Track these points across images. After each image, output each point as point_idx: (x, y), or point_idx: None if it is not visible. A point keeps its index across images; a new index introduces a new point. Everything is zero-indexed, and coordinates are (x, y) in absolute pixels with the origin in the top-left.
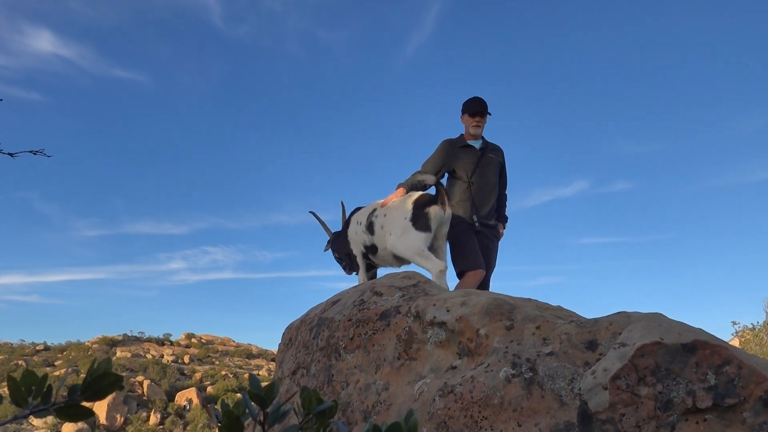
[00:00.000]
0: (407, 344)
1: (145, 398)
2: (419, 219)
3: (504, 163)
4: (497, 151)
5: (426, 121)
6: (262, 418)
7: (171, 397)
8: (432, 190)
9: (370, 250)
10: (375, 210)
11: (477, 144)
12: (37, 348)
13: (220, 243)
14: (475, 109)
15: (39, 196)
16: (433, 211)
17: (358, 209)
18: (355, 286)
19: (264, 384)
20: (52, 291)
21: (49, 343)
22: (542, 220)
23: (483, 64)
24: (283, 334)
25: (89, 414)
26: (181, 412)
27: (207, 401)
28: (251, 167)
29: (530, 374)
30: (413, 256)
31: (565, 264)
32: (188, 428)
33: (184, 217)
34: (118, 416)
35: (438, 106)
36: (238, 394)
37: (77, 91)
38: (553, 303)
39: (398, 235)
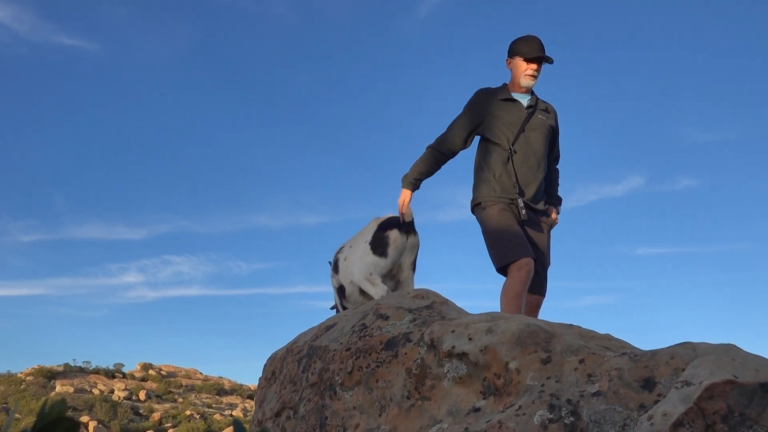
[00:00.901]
0: (419, 380)
1: None
2: (377, 242)
3: (557, 127)
4: (549, 111)
5: (442, 106)
6: None
7: None
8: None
9: (341, 293)
10: (343, 246)
11: (524, 99)
12: None
13: (185, 251)
14: (535, 52)
15: None
16: (393, 235)
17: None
18: (355, 308)
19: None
20: None
21: None
22: (587, 224)
23: (515, 25)
24: (265, 366)
25: None
26: None
27: None
28: (226, 158)
29: (572, 419)
30: (360, 279)
31: (615, 280)
32: None
33: (142, 220)
34: None
35: (458, 83)
36: None
37: (11, 63)
38: (601, 330)
39: (357, 260)
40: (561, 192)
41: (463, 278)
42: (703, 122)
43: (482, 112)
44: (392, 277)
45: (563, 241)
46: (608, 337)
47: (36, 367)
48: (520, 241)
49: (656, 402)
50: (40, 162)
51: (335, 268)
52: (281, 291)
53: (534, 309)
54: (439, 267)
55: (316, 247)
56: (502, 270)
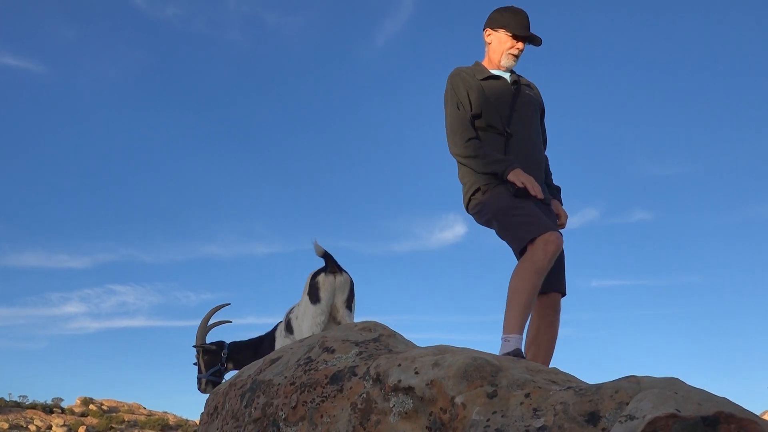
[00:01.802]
0: (364, 415)
1: None
2: (311, 291)
3: (543, 106)
4: (532, 87)
5: (401, 134)
6: None
7: None
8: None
9: None
10: (292, 308)
11: (505, 76)
12: None
13: (131, 281)
14: (525, 29)
15: None
16: (321, 279)
17: (279, 324)
18: (301, 340)
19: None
20: None
21: None
22: None
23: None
24: (207, 401)
25: None
26: None
27: None
28: (175, 185)
29: None
30: (308, 333)
31: (569, 313)
32: None
33: (85, 248)
34: None
35: (419, 111)
36: None
37: None
38: (553, 362)
39: (302, 315)
40: None
41: (417, 310)
42: (658, 155)
43: (468, 92)
44: (334, 321)
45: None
46: (555, 371)
47: None
48: (542, 216)
49: None
50: None
51: (289, 328)
52: (232, 322)
53: (553, 311)
54: (394, 298)
55: (266, 278)
56: (524, 251)
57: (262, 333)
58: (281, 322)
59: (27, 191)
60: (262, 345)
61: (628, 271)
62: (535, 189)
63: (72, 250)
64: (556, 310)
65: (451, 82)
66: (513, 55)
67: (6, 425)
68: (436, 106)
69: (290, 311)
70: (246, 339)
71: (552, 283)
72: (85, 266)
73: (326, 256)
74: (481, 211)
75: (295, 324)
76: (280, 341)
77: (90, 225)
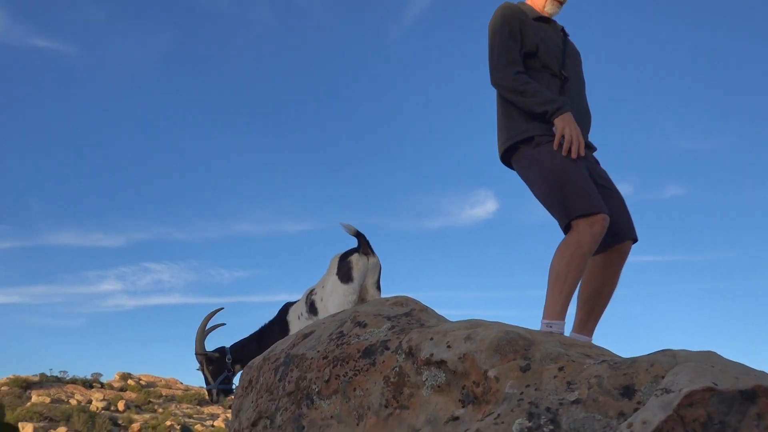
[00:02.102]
0: (397, 389)
1: None
2: (342, 271)
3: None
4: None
5: (428, 112)
6: None
7: None
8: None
9: None
10: (313, 289)
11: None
12: None
13: (165, 258)
14: None
15: None
16: (354, 259)
17: (290, 304)
18: (333, 315)
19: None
20: None
21: None
22: None
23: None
24: (242, 375)
25: None
26: None
27: None
28: (207, 164)
29: (551, 427)
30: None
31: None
32: None
33: (121, 226)
34: None
35: (445, 89)
36: None
37: None
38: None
39: (329, 294)
40: None
41: (448, 286)
42: (692, 130)
43: (521, 27)
44: (362, 301)
45: (548, 249)
46: (588, 345)
47: (11, 376)
48: (594, 192)
49: (636, 410)
50: (15, 167)
51: (312, 310)
52: (263, 299)
53: (622, 260)
54: (424, 275)
55: (298, 255)
56: (569, 228)
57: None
58: (291, 306)
59: (62, 171)
60: (267, 335)
61: (662, 247)
62: (578, 146)
63: (107, 228)
64: (624, 259)
65: (503, 13)
66: (559, 1)
67: (48, 399)
68: (465, 82)
69: (311, 293)
70: (245, 336)
71: (625, 231)
72: (121, 244)
73: (359, 236)
74: (529, 167)
75: (320, 305)
76: (301, 323)
77: (124, 204)
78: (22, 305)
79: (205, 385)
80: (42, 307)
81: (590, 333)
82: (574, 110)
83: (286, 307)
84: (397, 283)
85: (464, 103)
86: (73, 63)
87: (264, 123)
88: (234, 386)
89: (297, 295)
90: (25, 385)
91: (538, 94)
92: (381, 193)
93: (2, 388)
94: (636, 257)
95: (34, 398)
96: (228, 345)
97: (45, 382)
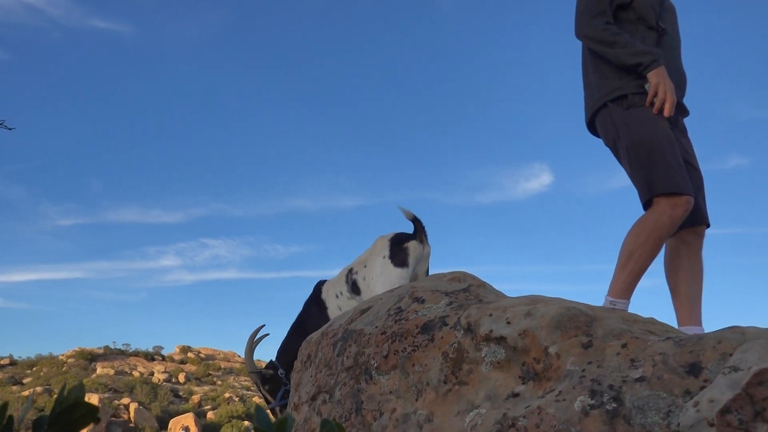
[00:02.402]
0: (456, 364)
1: (132, 425)
2: (397, 255)
3: None
4: None
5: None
6: None
7: (163, 424)
8: (410, 228)
9: None
10: (352, 269)
11: None
12: (1, 362)
13: (222, 234)
14: None
15: (2, 177)
16: (412, 246)
17: (322, 283)
18: (390, 291)
19: (273, 419)
20: (19, 293)
21: (15, 357)
22: (630, 205)
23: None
24: (300, 349)
25: None
26: None
27: (208, 430)
28: (262, 140)
29: (614, 405)
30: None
31: (657, 262)
32: None
33: (179, 203)
34: None
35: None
36: (246, 422)
37: (46, 47)
38: (645, 314)
39: (378, 276)
40: (604, 174)
41: (502, 261)
42: (754, 98)
43: None
44: None
45: (607, 222)
46: (652, 321)
47: (77, 349)
48: (683, 171)
49: (702, 388)
50: (76, 146)
51: (355, 290)
52: (319, 274)
53: (701, 239)
54: (478, 249)
55: (353, 230)
56: (649, 203)
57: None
58: (323, 284)
59: (121, 149)
60: (307, 321)
61: (724, 219)
62: (671, 105)
63: (166, 205)
64: (701, 240)
65: None
66: None
67: (112, 371)
68: (517, 55)
69: (350, 272)
70: (284, 339)
71: (703, 214)
72: (179, 221)
73: (416, 222)
74: (618, 129)
75: (363, 284)
76: (340, 302)
77: (182, 180)
78: (86, 280)
79: (267, 406)
80: (105, 282)
81: (698, 322)
82: (669, 68)
83: (319, 286)
84: (450, 258)
85: (517, 76)
86: (130, 42)
87: (318, 98)
88: None
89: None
90: (90, 358)
91: (630, 45)
92: (434, 167)
93: (69, 360)
94: None
95: (99, 370)
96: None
97: (109, 354)
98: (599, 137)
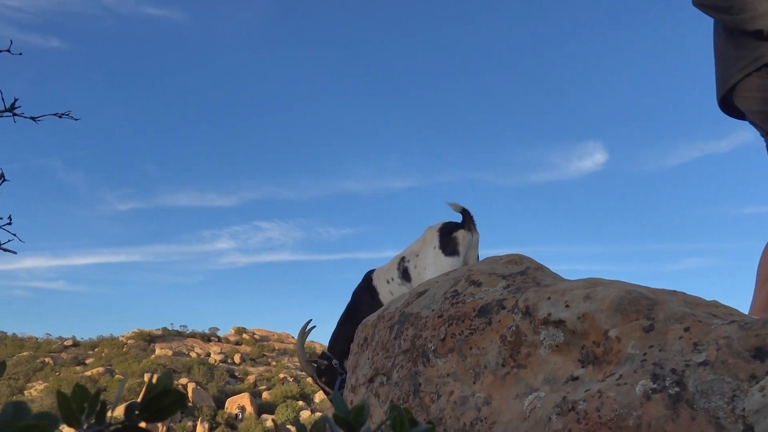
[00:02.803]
0: (514, 348)
1: (190, 404)
2: (447, 245)
3: None
4: None
5: (539, 59)
6: None
7: (220, 403)
8: (458, 218)
9: None
10: (404, 257)
11: None
12: (66, 343)
13: (275, 217)
14: None
15: (62, 164)
16: (461, 235)
17: (371, 271)
18: (446, 274)
19: (351, 406)
20: (80, 276)
21: (78, 338)
22: (689, 183)
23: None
24: (357, 332)
25: None
26: (232, 422)
27: (263, 409)
28: (313, 124)
29: (677, 389)
30: None
31: (719, 241)
32: None
33: (232, 186)
34: (159, 426)
35: (554, 39)
36: (300, 402)
37: (101, 35)
38: (704, 295)
39: (430, 265)
40: (660, 150)
41: (555, 241)
42: None
43: None
44: None
45: (663, 200)
46: (715, 304)
47: (136, 330)
48: None
49: None
50: (132, 131)
51: (406, 276)
52: (370, 255)
53: None
54: (530, 230)
55: (404, 212)
56: None
57: None
58: (373, 272)
59: (176, 136)
60: (358, 308)
61: None
62: None
63: (220, 189)
64: None
65: None
66: None
67: (170, 352)
68: (567, 28)
69: (402, 260)
70: (335, 329)
71: None
72: (233, 204)
73: (465, 212)
74: (760, 101)
75: (414, 272)
76: (391, 287)
77: (234, 165)
78: (144, 263)
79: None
80: (162, 265)
81: None
82: None
83: (369, 274)
84: (503, 240)
85: (569, 53)
86: (182, 28)
87: (368, 81)
88: None
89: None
90: (149, 339)
91: (747, 9)
92: (485, 148)
93: (129, 341)
94: (756, 207)
95: (158, 351)
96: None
97: (167, 335)
98: (731, 116)
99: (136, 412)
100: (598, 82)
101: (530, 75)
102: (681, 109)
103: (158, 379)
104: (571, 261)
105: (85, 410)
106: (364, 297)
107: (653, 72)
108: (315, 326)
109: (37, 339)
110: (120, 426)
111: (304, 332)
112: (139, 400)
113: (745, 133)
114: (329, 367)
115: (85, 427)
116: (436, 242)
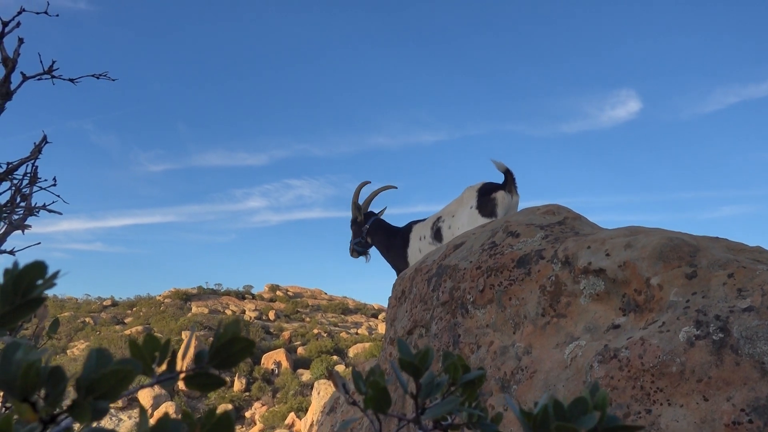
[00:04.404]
0: (554, 297)
1: None
2: (485, 205)
3: None
4: None
5: (561, 8)
6: (415, 390)
7: (256, 359)
8: (500, 178)
9: None
10: (440, 217)
11: None
12: (105, 303)
13: (305, 174)
14: None
15: (94, 126)
16: (500, 196)
17: (415, 223)
18: (483, 225)
19: (415, 350)
20: (117, 237)
21: (116, 298)
22: (725, 129)
23: None
24: (394, 285)
25: (221, 383)
26: (268, 377)
27: (298, 365)
28: (341, 79)
29: (721, 335)
30: None
31: (757, 188)
32: (278, 395)
33: (262, 144)
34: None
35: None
36: (334, 357)
37: None
38: (743, 241)
39: (465, 225)
40: (695, 96)
41: (589, 191)
42: None
43: None
44: None
45: (699, 147)
46: (759, 250)
47: (172, 290)
48: None
49: None
50: (162, 93)
51: (437, 236)
52: (401, 211)
53: None
54: (563, 180)
55: (434, 166)
56: None
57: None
58: (414, 224)
59: (206, 95)
60: (392, 240)
61: None
62: None
63: (250, 148)
64: None
65: None
66: None
67: (206, 310)
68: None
69: (438, 220)
70: (391, 224)
71: None
72: (263, 163)
73: (507, 173)
74: None
75: (447, 233)
76: (421, 245)
77: (264, 123)
78: (178, 224)
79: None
80: (196, 224)
81: None
82: None
83: (411, 225)
84: (536, 191)
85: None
86: None
87: (395, 32)
88: (364, 250)
89: (433, 205)
90: (185, 297)
91: None
92: (516, 98)
93: (166, 300)
94: None
95: (194, 309)
96: (383, 217)
97: (202, 294)
98: None
99: (206, 360)
100: (630, 28)
101: (559, 22)
102: (716, 53)
103: (226, 327)
104: (604, 211)
105: (156, 359)
106: (397, 240)
107: (685, 13)
108: (396, 187)
109: (77, 300)
110: (191, 373)
111: (381, 190)
112: (208, 348)
113: None
114: (359, 225)
115: (158, 373)
116: (473, 202)
